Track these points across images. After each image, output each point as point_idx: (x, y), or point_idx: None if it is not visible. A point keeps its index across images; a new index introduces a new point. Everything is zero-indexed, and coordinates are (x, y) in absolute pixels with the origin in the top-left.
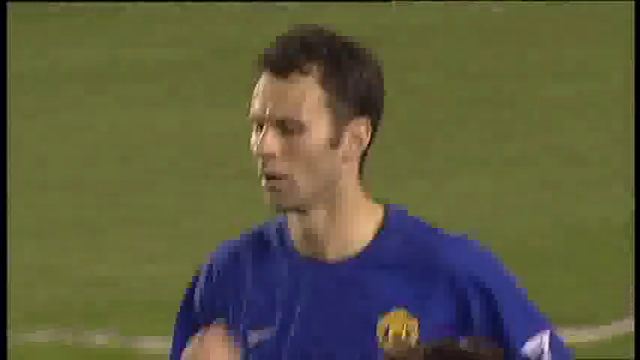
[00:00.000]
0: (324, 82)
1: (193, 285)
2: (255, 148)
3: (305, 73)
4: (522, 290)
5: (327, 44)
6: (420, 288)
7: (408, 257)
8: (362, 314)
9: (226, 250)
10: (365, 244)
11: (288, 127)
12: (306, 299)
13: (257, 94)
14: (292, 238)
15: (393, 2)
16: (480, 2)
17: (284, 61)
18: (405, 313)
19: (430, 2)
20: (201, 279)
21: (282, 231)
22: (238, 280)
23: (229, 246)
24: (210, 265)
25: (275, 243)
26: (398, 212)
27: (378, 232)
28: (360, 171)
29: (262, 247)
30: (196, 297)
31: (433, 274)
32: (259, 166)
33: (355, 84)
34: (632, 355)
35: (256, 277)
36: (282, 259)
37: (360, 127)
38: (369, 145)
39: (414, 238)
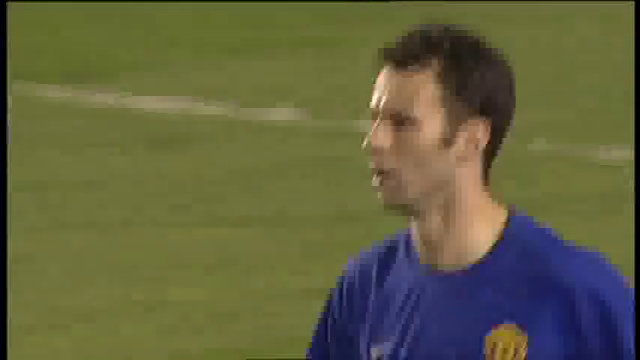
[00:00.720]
0: (442, 78)
1: (330, 297)
2: (364, 142)
3: (423, 67)
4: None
5: (451, 40)
6: (533, 304)
7: (525, 270)
8: (472, 328)
9: (357, 263)
10: (482, 255)
11: (400, 122)
12: (421, 312)
13: (375, 88)
14: (416, 247)
15: None
16: None
17: (403, 54)
18: (514, 327)
19: None
20: (336, 293)
21: (409, 240)
22: (365, 295)
23: (361, 258)
24: (342, 281)
25: (401, 253)
26: (520, 219)
27: (497, 241)
28: (486, 174)
29: (389, 257)
30: (332, 310)
31: (548, 290)
32: (370, 161)
33: (476, 83)
34: None
35: (380, 289)
36: (406, 270)
37: (478, 128)
38: (493, 148)
39: (533, 249)
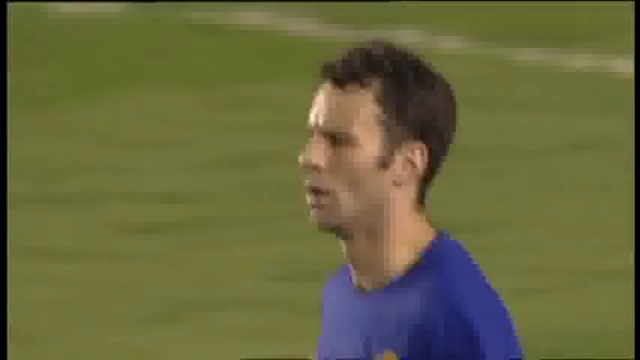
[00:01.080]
0: (382, 98)
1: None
2: (300, 159)
3: (363, 86)
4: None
5: (395, 60)
6: (416, 339)
7: (420, 303)
8: (367, 346)
9: (326, 285)
10: (395, 278)
11: (338, 140)
12: (341, 330)
13: (314, 104)
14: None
15: None
16: None
17: (344, 71)
18: (394, 355)
19: None
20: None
21: None
22: (325, 310)
23: (328, 279)
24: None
25: (345, 274)
26: (446, 243)
27: (413, 265)
28: (421, 199)
29: (338, 279)
30: None
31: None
32: (305, 179)
33: (416, 106)
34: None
35: (324, 309)
36: (344, 291)
37: (415, 152)
38: (430, 172)
39: (434, 283)
